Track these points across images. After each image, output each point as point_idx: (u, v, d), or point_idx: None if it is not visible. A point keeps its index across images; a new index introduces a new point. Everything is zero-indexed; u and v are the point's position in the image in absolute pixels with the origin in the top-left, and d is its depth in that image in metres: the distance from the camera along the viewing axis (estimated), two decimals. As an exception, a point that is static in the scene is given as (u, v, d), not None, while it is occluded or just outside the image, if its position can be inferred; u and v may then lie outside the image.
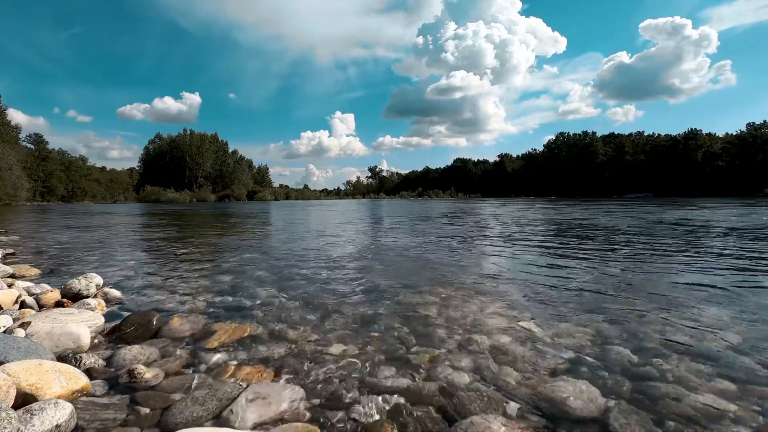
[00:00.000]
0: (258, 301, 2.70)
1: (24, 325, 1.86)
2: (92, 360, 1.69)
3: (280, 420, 1.29)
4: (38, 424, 1.11)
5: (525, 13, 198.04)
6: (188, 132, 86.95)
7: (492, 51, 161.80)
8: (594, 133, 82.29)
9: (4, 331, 1.82)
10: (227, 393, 1.41)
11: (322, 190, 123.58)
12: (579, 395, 1.41)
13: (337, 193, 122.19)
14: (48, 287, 2.76)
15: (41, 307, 2.45)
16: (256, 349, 1.86)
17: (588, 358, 1.75)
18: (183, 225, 11.04)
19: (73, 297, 2.60)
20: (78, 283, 2.67)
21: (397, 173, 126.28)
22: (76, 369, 1.50)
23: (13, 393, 1.23)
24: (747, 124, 62.11)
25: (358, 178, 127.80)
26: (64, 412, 1.18)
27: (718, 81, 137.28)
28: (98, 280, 2.85)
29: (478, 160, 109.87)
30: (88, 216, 16.59)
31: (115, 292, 2.83)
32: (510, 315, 2.37)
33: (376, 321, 2.28)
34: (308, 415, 1.33)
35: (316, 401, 1.41)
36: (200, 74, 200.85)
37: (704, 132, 66.16)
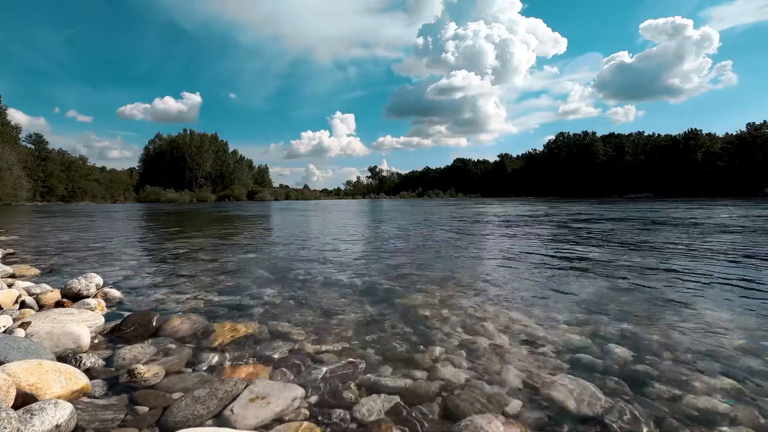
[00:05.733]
0: (258, 301, 2.69)
1: (24, 325, 1.86)
2: (92, 360, 1.69)
3: (280, 419, 1.29)
4: (38, 424, 1.11)
5: (525, 13, 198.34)
6: (188, 132, 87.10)
7: (492, 51, 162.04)
8: (594, 133, 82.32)
9: (4, 331, 1.82)
10: (227, 392, 1.41)
11: (322, 190, 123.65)
12: (579, 395, 1.41)
13: (337, 193, 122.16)
14: (48, 287, 2.75)
15: (41, 307, 2.45)
16: (256, 349, 1.86)
17: (588, 358, 1.75)
18: (183, 225, 11.04)
19: (73, 297, 2.60)
20: (78, 283, 2.67)
21: (397, 173, 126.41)
22: (76, 369, 1.50)
23: (13, 393, 1.23)
24: (747, 124, 62.11)
25: (358, 178, 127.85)
26: (63, 412, 1.18)
27: (719, 81, 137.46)
28: (98, 280, 2.85)
29: (478, 160, 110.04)
30: (88, 216, 16.59)
31: (115, 292, 2.83)
32: (510, 315, 2.37)
33: (376, 321, 2.28)
34: (308, 414, 1.33)
35: (316, 400, 1.41)
36: (200, 74, 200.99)
37: (704, 132, 66.21)
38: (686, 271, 3.61)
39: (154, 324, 2.13)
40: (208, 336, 2.01)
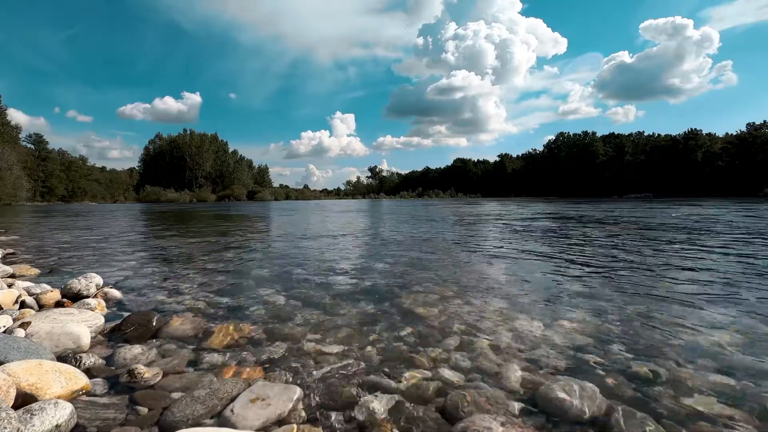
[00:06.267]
0: (258, 301, 2.69)
1: (24, 325, 1.86)
2: (92, 360, 1.69)
3: (280, 420, 1.29)
4: (38, 424, 1.11)
5: (525, 13, 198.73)
6: (188, 132, 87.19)
7: (492, 51, 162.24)
8: (594, 133, 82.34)
9: (4, 331, 1.82)
10: (227, 393, 1.41)
11: (322, 190, 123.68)
12: (579, 395, 1.41)
13: (337, 193, 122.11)
14: (48, 287, 2.76)
15: (41, 307, 2.45)
16: (256, 349, 1.86)
17: (588, 358, 1.75)
18: (183, 225, 11.04)
19: (73, 297, 2.60)
20: (78, 283, 2.67)
21: (397, 173, 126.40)
22: (76, 369, 1.50)
23: (13, 393, 1.23)
24: (747, 124, 62.11)
25: (358, 178, 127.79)
26: (63, 412, 1.18)
27: (719, 81, 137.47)
28: (98, 280, 2.85)
29: (478, 160, 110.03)
30: (88, 216, 16.59)
31: (115, 292, 2.83)
32: (509, 315, 2.37)
33: (375, 321, 2.28)
34: (308, 415, 1.33)
35: (316, 401, 1.41)
36: (200, 74, 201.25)
37: (704, 132, 66.23)
38: (684, 270, 3.61)
39: (154, 324, 2.13)
40: (209, 336, 2.01)
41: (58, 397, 1.30)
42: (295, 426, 1.25)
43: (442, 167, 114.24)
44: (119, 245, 6.11)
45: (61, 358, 1.68)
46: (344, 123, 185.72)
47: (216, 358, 1.77)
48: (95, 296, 2.67)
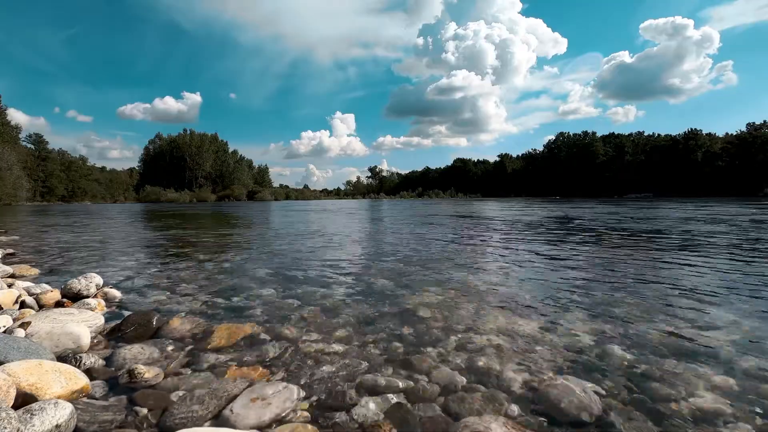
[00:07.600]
0: (258, 302, 2.69)
1: (24, 325, 1.86)
2: (92, 360, 1.69)
3: (280, 420, 1.29)
4: (38, 424, 1.11)
5: (525, 13, 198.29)
6: (188, 132, 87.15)
7: (493, 51, 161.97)
8: (594, 133, 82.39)
9: (4, 331, 1.82)
10: (227, 393, 1.41)
11: (322, 190, 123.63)
12: (579, 395, 1.41)
13: (337, 194, 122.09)
14: (48, 287, 2.76)
15: (41, 307, 2.45)
16: (256, 350, 1.86)
17: (588, 358, 1.75)
18: (183, 225, 11.04)
19: (73, 297, 2.60)
20: (78, 283, 2.67)
21: (397, 173, 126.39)
22: (76, 369, 1.50)
23: (13, 393, 1.23)
24: (747, 124, 62.17)
25: (358, 178, 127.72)
26: (63, 412, 1.18)
27: (719, 81, 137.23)
28: (98, 280, 2.85)
29: (478, 160, 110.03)
30: (88, 216, 16.59)
31: (115, 292, 2.83)
32: (509, 315, 2.37)
33: (375, 321, 2.28)
34: (308, 415, 1.33)
35: (316, 401, 1.41)
36: (200, 74, 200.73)
37: (704, 132, 66.27)
38: (684, 271, 3.60)
39: (154, 324, 2.13)
40: (208, 336, 2.01)
41: (58, 397, 1.30)
42: (294, 426, 1.25)
43: (442, 167, 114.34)
44: (119, 245, 6.11)
45: (61, 358, 1.68)
46: (344, 123, 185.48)
47: (216, 358, 1.77)
48: (95, 296, 2.67)
